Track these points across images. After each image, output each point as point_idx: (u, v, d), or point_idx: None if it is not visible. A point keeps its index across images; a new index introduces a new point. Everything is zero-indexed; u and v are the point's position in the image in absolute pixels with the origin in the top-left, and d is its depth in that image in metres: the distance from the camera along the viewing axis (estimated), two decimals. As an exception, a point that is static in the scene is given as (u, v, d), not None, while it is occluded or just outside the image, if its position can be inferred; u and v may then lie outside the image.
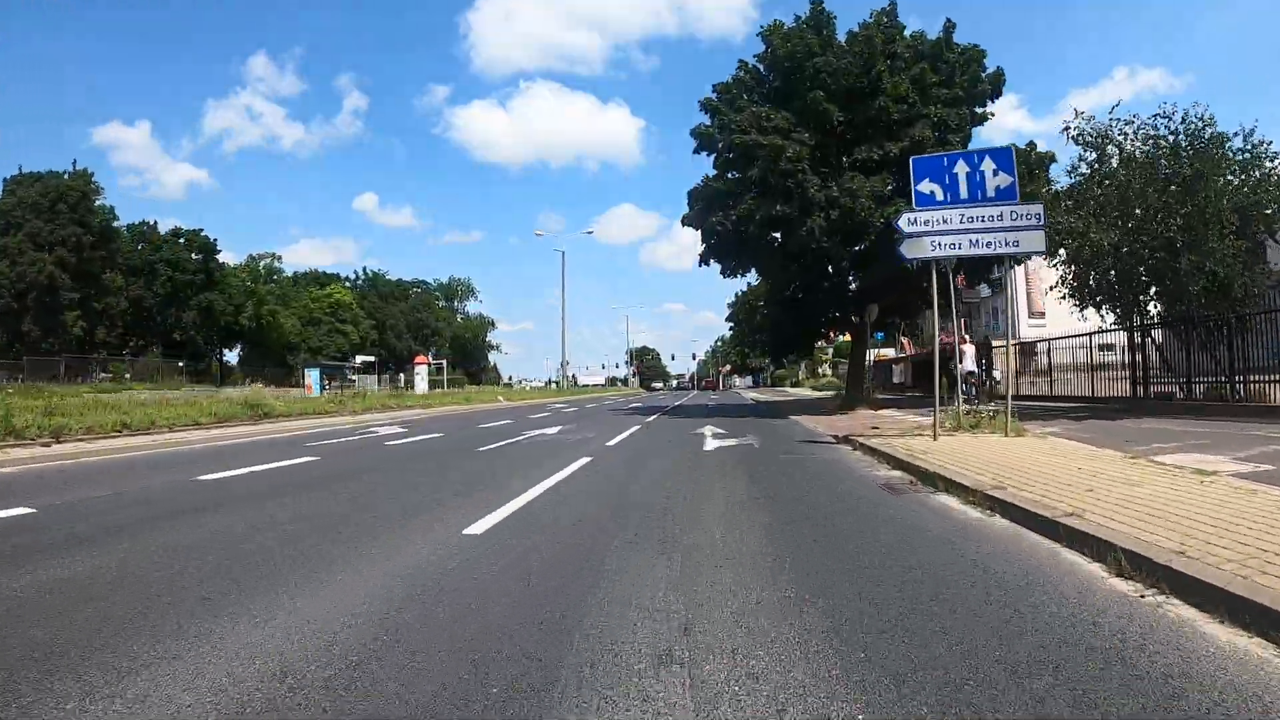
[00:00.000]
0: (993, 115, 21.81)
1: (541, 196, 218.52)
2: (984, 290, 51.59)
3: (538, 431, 15.32)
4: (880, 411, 19.67)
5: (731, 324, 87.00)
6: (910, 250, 10.35)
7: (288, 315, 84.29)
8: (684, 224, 23.57)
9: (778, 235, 21.14)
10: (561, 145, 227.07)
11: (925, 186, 10.29)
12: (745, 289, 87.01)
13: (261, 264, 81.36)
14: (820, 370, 57.58)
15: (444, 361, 74.49)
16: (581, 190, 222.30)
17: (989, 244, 9.95)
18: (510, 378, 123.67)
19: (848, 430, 12.52)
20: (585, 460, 9.96)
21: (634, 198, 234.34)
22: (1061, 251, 16.41)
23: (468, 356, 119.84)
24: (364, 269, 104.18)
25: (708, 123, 22.04)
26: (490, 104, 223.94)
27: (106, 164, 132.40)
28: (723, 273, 24.75)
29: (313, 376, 51.14)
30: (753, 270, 25.06)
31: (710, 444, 12.00)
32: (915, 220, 10.17)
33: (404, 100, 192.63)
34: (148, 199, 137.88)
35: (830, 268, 22.47)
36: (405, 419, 21.11)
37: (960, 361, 17.32)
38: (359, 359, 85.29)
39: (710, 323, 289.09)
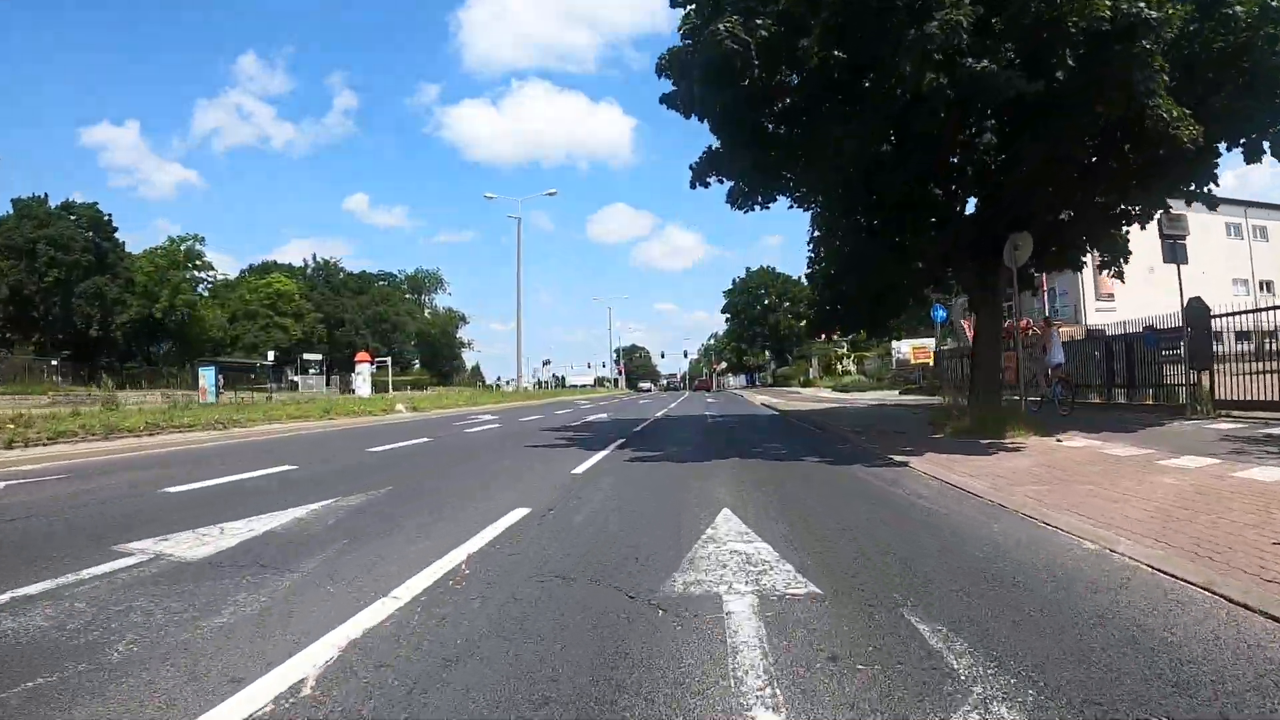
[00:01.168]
0: None
1: (534, 195, 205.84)
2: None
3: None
4: (1087, 443, 8.90)
5: (728, 315, 76.40)
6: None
7: (210, 306, 73.19)
8: (664, 103, 11.99)
9: (849, 98, 10.23)
10: (553, 144, 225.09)
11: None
12: (744, 274, 75.52)
13: (182, 246, 70.02)
14: (840, 366, 46.57)
15: (389, 361, 63.18)
16: (574, 190, 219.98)
17: None
18: (499, 378, 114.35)
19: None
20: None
21: (626, 197, 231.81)
22: None
23: (438, 355, 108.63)
24: (314, 255, 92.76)
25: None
26: (481, 103, 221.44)
27: (96, 165, 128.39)
28: (735, 200, 13.19)
29: (207, 378, 40.68)
30: (785, 190, 13.58)
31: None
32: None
33: (395, 99, 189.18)
34: (138, 200, 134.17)
35: (944, 162, 11.58)
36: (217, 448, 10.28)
37: (1049, 351, 14.57)
38: (307, 357, 74.81)
39: (703, 322, 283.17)
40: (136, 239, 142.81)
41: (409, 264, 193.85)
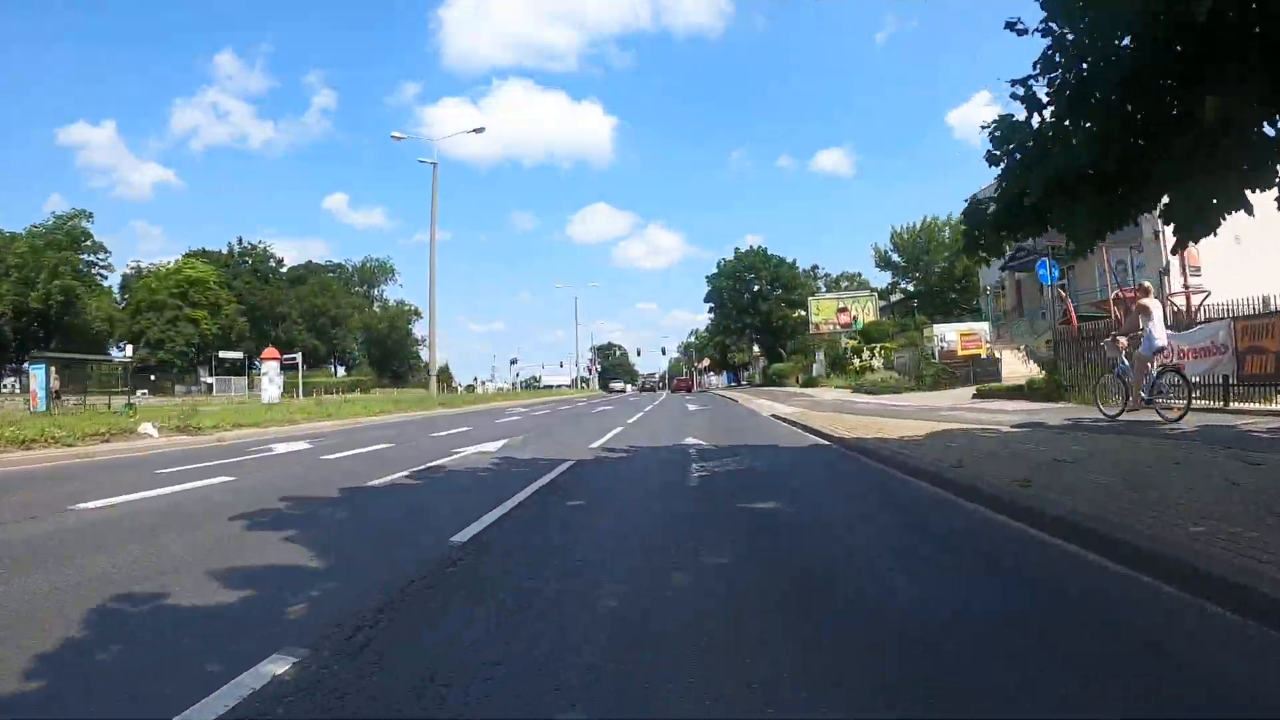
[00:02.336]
0: None
1: (512, 195, 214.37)
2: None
3: None
4: None
5: (711, 305, 66.26)
6: None
7: (99, 295, 62.16)
8: None
9: None
10: (533, 143, 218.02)
11: None
12: (731, 256, 65.22)
13: (67, 225, 58.91)
14: (859, 360, 36.39)
15: (296, 359, 52.52)
16: (553, 189, 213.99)
17: None
18: (475, 379, 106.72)
19: None
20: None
21: (607, 197, 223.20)
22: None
23: (389, 353, 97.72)
24: (240, 239, 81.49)
25: None
26: (461, 101, 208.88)
27: (73, 165, 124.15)
28: None
29: (38, 379, 30.47)
30: None
31: None
32: None
33: (374, 98, 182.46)
34: (116, 199, 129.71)
35: None
36: None
37: (1147, 330, 10.55)
38: (223, 355, 64.01)
39: (683, 321, 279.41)
40: (113, 240, 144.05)
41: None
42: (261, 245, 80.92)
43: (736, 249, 62.89)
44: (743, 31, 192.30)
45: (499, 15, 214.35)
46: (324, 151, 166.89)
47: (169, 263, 74.71)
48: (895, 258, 61.27)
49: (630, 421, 18.20)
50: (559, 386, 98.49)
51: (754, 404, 26.00)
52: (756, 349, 75.73)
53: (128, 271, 77.84)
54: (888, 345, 37.04)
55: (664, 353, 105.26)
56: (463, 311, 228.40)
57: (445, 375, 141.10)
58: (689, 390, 67.74)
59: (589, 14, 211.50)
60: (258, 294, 76.48)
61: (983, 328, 32.44)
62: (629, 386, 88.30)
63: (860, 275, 74.79)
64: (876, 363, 34.30)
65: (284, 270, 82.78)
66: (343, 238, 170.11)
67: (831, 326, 57.09)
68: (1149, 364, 10.49)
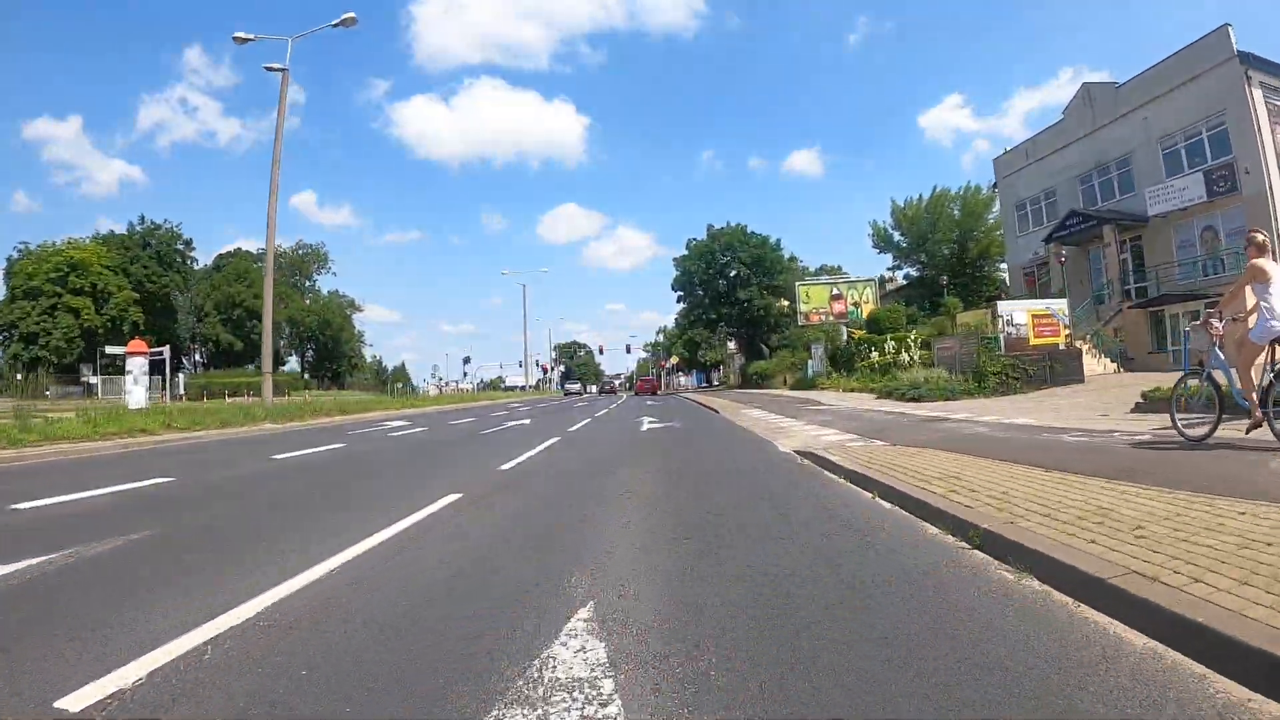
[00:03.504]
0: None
1: (482, 194, 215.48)
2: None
3: None
4: None
5: (680, 293, 57.11)
6: None
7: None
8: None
9: None
10: (504, 142, 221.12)
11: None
12: (703, 234, 55.71)
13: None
14: (886, 352, 27.22)
15: (163, 352, 42.38)
16: (524, 189, 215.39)
17: None
18: (441, 380, 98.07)
19: None
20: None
21: (577, 197, 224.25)
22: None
23: (324, 351, 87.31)
24: (142, 217, 70.51)
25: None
26: (432, 99, 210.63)
27: (38, 161, 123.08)
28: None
29: None
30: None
31: None
32: None
33: (343, 94, 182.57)
34: (80, 196, 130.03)
35: None
36: None
37: (1261, 303, 6.95)
38: (109, 351, 53.16)
39: (651, 322, 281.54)
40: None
41: (352, 263, 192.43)
42: (168, 225, 70.08)
43: (709, 226, 53.97)
44: (716, 32, 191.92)
45: (472, 12, 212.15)
46: (292, 149, 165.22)
47: (54, 243, 64.11)
48: (898, 237, 52.59)
49: (540, 447, 9.43)
50: (522, 388, 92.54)
51: (744, 418, 17.03)
52: (732, 345, 66.66)
53: (13, 254, 67.01)
54: (907, 334, 28.19)
55: (628, 350, 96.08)
56: (435, 313, 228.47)
57: (401, 375, 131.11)
58: (654, 392, 58.65)
59: (561, 12, 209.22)
60: (158, 281, 65.81)
61: (1060, 306, 23.72)
62: (591, 388, 78.91)
63: (840, 268, 66.37)
64: (907, 356, 25.35)
65: (194, 254, 72.03)
66: (311, 237, 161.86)
67: (824, 316, 48.41)
68: (1266, 357, 6.67)
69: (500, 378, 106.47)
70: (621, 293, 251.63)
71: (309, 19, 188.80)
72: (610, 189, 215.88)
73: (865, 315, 45.30)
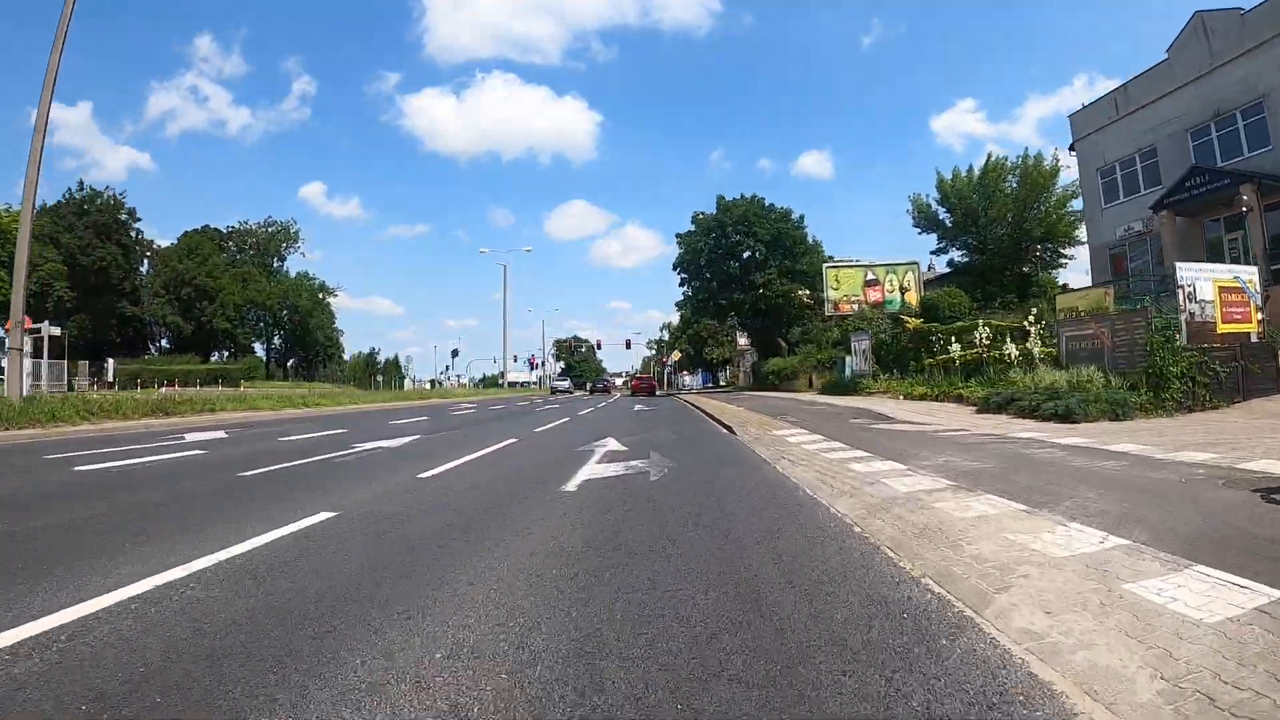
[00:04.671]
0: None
1: (490, 189, 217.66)
2: None
3: None
4: None
5: (683, 276, 48.66)
6: None
7: None
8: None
9: None
10: (513, 137, 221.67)
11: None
12: (714, 207, 46.42)
13: None
14: (982, 339, 18.88)
15: (41, 331, 34.53)
16: (532, 185, 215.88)
17: None
18: (439, 374, 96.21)
19: None
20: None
21: (586, 194, 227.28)
22: None
23: (294, 339, 79.37)
24: (80, 182, 62.55)
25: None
26: (442, 92, 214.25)
27: (46, 145, 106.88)
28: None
29: None
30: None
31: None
32: None
33: (354, 85, 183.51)
34: (88, 182, 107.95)
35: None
36: None
37: None
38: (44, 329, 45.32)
39: (656, 321, 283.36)
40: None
41: (357, 256, 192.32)
42: (110, 193, 62.11)
43: (720, 198, 45.12)
44: (729, 30, 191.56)
45: (484, 4, 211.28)
46: (301, 138, 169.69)
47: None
48: (943, 215, 44.19)
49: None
50: (525, 384, 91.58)
51: (778, 449, 8.91)
52: (744, 340, 58.28)
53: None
54: (988, 321, 19.91)
55: (628, 346, 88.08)
56: (439, 307, 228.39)
57: (393, 368, 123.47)
58: (651, 393, 50.46)
59: (574, 7, 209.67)
60: (93, 254, 57.90)
61: (1249, 276, 15.58)
62: (574, 387, 70.75)
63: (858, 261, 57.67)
64: (1015, 350, 17.17)
65: (139, 224, 63.98)
66: (318, 228, 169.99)
67: (855, 305, 40.27)
68: None
69: (502, 372, 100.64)
70: (626, 291, 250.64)
71: (314, 9, 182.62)
72: (619, 187, 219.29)
73: (909, 303, 37.19)
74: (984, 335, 19.11)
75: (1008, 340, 17.75)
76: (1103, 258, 33.39)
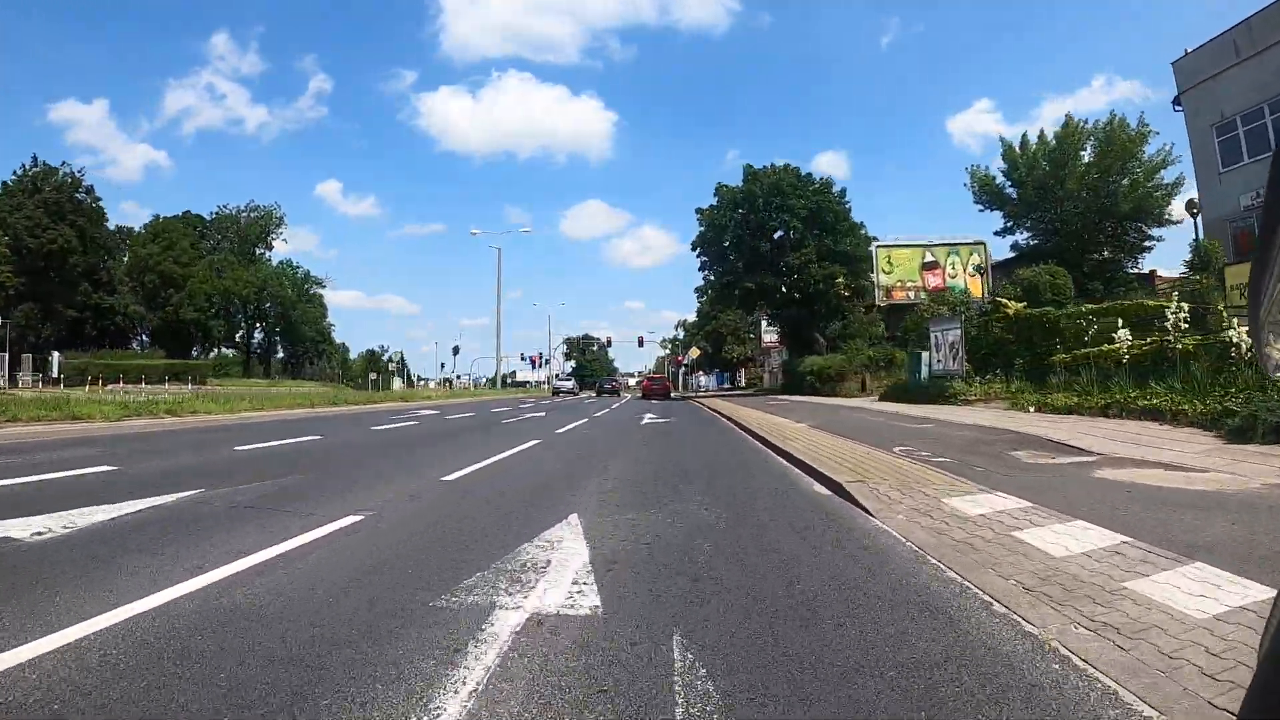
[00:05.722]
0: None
1: (506, 188, 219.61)
2: None
3: None
4: None
5: (702, 259, 41.46)
6: None
7: None
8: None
9: None
10: (529, 136, 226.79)
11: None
12: (739, 178, 38.09)
13: None
14: (1175, 320, 12.10)
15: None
16: (547, 184, 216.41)
17: None
18: (456, 374, 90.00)
19: None
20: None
21: (602, 194, 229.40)
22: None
23: (282, 334, 73.26)
24: (34, 157, 56.46)
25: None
26: (458, 90, 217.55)
27: (61, 142, 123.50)
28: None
29: None
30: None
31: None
32: None
33: (370, 83, 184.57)
34: (103, 179, 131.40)
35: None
36: None
37: None
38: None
39: (670, 321, 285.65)
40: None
41: (372, 255, 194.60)
42: (67, 170, 56.05)
43: (747, 166, 37.90)
44: (747, 29, 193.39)
45: (499, 3, 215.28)
46: (317, 136, 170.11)
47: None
48: (1010, 189, 37.26)
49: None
50: (530, 384, 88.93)
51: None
52: (771, 336, 51.34)
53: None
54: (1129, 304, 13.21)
55: (640, 344, 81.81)
56: (454, 306, 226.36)
57: (398, 366, 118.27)
58: (665, 395, 43.79)
59: (591, 6, 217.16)
60: (44, 236, 51.88)
61: None
62: (578, 388, 63.94)
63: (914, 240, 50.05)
64: (1238, 335, 10.36)
65: (100, 203, 57.79)
66: (333, 226, 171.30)
67: (911, 293, 33.65)
68: None
69: (513, 371, 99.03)
70: (641, 291, 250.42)
71: (330, 6, 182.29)
72: (635, 187, 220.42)
73: (972, 291, 30.34)
74: (1180, 315, 12.28)
75: (1229, 327, 10.93)
76: (1220, 232, 26.49)
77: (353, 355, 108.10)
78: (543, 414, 21.02)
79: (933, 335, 21.35)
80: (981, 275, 32.46)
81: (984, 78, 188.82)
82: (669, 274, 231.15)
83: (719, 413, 20.77)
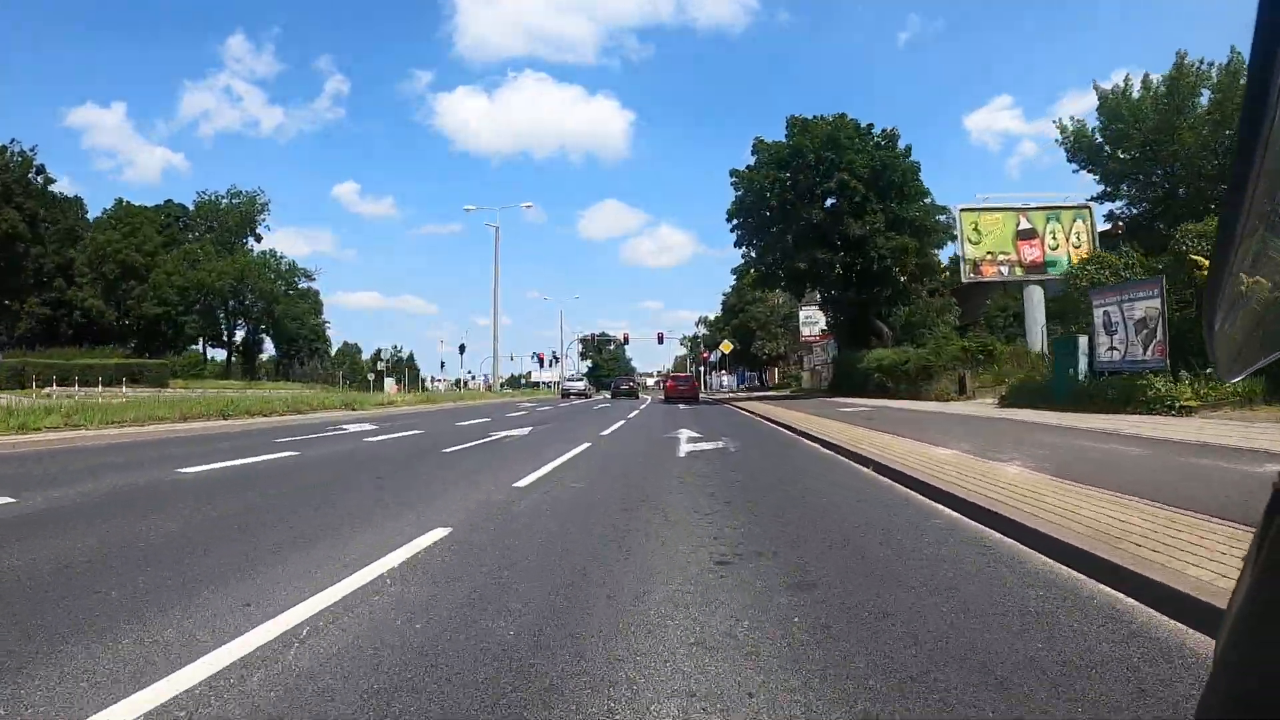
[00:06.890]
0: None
1: (523, 188, 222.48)
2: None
3: None
4: None
5: (739, 232, 33.60)
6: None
7: None
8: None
9: None
10: (545, 136, 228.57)
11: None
12: (782, 132, 30.66)
13: None
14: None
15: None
16: (565, 184, 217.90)
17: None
18: (469, 374, 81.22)
19: None
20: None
21: (619, 193, 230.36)
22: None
23: (267, 332, 67.21)
24: (12, 143, 50.56)
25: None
26: (475, 90, 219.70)
27: (79, 146, 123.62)
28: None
29: None
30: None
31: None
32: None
33: (386, 84, 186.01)
34: (121, 182, 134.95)
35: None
36: None
37: None
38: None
39: (688, 321, 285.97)
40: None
41: (390, 255, 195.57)
42: (18, 149, 49.99)
43: (793, 117, 30.53)
44: (765, 27, 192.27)
45: (514, 2, 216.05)
46: (334, 137, 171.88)
47: None
48: (1109, 148, 30.19)
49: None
50: (547, 384, 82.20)
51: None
52: (813, 326, 44.26)
53: None
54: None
55: (660, 340, 75.43)
56: (471, 306, 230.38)
57: (411, 366, 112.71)
58: (692, 398, 37.02)
59: (608, 5, 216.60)
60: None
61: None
62: (589, 389, 57.08)
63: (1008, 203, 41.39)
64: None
65: (55, 183, 51.71)
66: (350, 227, 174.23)
67: (1004, 268, 26.76)
68: None
69: (529, 372, 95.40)
70: (659, 291, 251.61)
71: (345, 6, 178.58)
72: (652, 186, 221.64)
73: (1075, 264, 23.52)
74: None
75: None
76: None
77: (364, 356, 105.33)
78: (525, 432, 14.26)
79: (1100, 312, 14.50)
80: (1068, 250, 25.83)
81: (1004, 73, 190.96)
82: (687, 273, 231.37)
83: (782, 424, 14.11)
